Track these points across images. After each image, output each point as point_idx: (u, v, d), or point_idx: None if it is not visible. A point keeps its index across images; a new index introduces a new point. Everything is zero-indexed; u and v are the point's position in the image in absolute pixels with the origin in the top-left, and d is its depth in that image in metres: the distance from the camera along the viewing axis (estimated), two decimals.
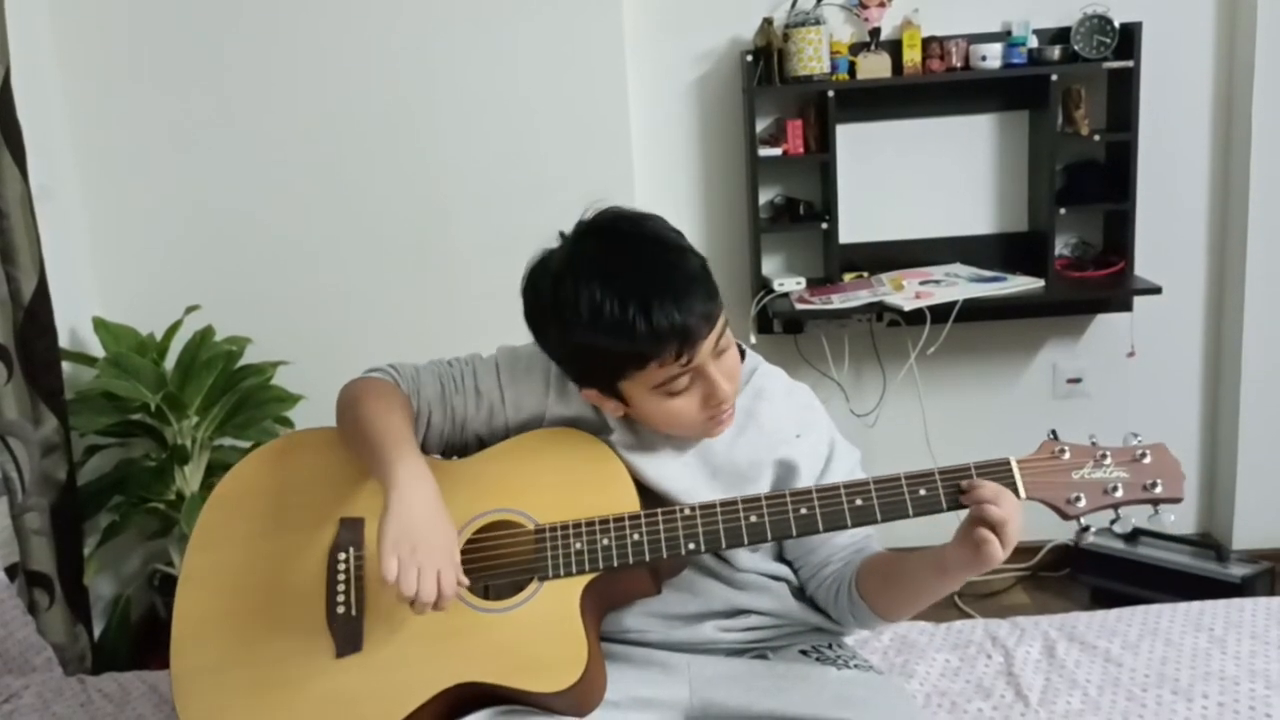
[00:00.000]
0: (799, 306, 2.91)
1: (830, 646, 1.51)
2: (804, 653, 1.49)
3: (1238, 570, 2.85)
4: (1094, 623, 1.87)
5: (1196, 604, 1.90)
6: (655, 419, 1.39)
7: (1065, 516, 1.31)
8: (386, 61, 2.91)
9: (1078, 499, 1.30)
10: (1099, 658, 1.76)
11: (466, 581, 1.32)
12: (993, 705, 1.66)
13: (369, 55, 2.91)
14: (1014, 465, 1.32)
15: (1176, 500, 1.30)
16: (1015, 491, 1.30)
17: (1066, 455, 1.32)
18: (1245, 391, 3.08)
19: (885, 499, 1.32)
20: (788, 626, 1.50)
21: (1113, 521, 1.32)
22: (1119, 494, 1.30)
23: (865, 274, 3.07)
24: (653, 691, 1.42)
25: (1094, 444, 1.34)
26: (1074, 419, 3.21)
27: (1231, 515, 3.16)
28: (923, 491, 1.32)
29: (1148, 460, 1.31)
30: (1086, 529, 1.31)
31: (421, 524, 1.29)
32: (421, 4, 2.88)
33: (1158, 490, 1.29)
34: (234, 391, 2.75)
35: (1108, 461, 1.31)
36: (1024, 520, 1.27)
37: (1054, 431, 1.36)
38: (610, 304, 1.29)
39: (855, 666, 1.48)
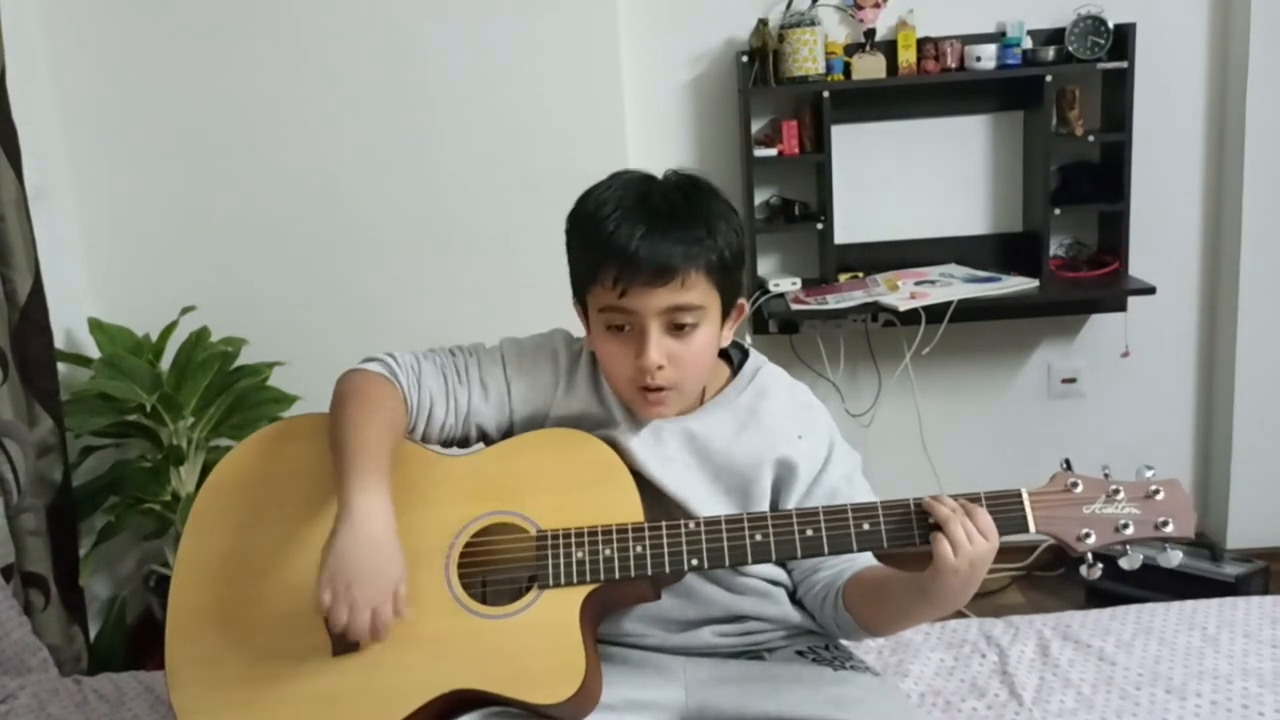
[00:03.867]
0: (794, 307, 2.92)
1: (826, 648, 1.51)
2: (800, 654, 1.49)
3: (1231, 570, 2.85)
4: (1088, 622, 1.87)
5: (1190, 603, 1.91)
6: (598, 352, 1.42)
7: (1074, 553, 1.30)
8: (380, 62, 2.91)
9: (1087, 535, 1.28)
10: (1093, 657, 1.76)
11: (406, 614, 1.31)
12: (987, 704, 1.67)
13: (362, 54, 2.91)
14: (1025, 497, 1.31)
15: (1186, 540, 1.29)
16: (1025, 524, 1.29)
17: (1079, 489, 1.30)
18: (1239, 391, 3.08)
19: (892, 526, 1.32)
20: (785, 630, 1.50)
21: (1120, 557, 1.30)
22: (1129, 531, 1.29)
23: (860, 274, 3.07)
24: (648, 694, 1.42)
25: (1107, 476, 1.32)
26: (1069, 418, 3.22)
27: (1225, 515, 3.17)
28: (932, 519, 1.30)
29: (1160, 497, 1.30)
30: (1094, 564, 1.29)
31: (362, 559, 1.27)
32: (417, 5, 2.88)
33: (1168, 529, 1.28)
34: (230, 392, 2.75)
35: (1120, 497, 1.30)
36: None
37: (1067, 461, 1.35)
38: (600, 209, 1.34)
39: (851, 667, 1.47)
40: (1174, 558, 1.30)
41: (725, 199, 1.41)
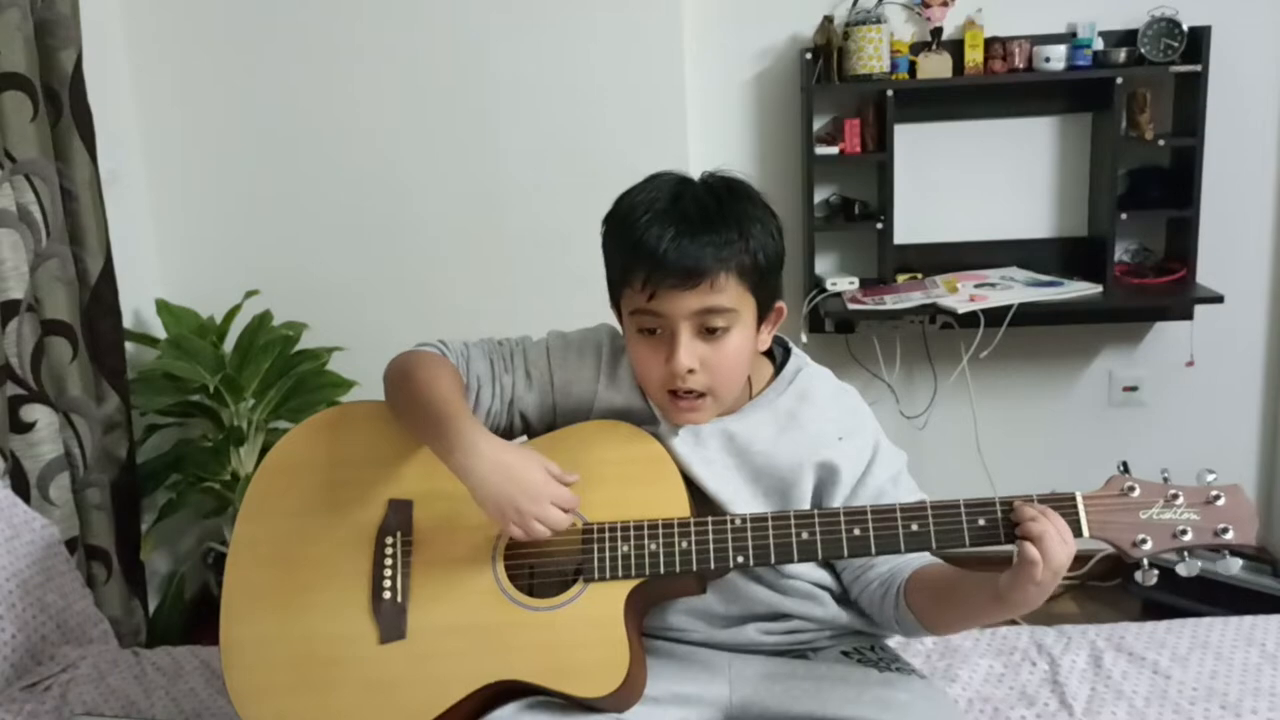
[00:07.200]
0: (851, 306, 2.90)
1: (872, 649, 1.50)
2: (845, 654, 1.48)
3: None
4: (1143, 634, 1.84)
5: (1249, 619, 1.87)
6: (631, 356, 1.42)
7: (1129, 558, 1.26)
8: (446, 54, 2.94)
9: (1144, 541, 1.25)
10: (1147, 669, 1.73)
11: (577, 501, 1.33)
12: (1036, 713, 1.64)
13: (430, 47, 2.94)
14: (1079, 501, 1.27)
15: (1247, 547, 1.26)
16: (1078, 529, 1.26)
17: (1136, 493, 1.27)
18: None
19: (942, 526, 1.30)
20: (830, 630, 1.50)
21: (1176, 564, 1.26)
22: (1188, 538, 1.25)
23: (919, 275, 3.04)
24: (693, 689, 1.42)
25: (1166, 481, 1.29)
26: (1130, 428, 3.17)
27: None
28: (982, 521, 1.28)
29: (1221, 503, 1.26)
30: (1150, 570, 1.25)
31: (506, 478, 1.29)
32: None
33: (1228, 536, 1.25)
34: (289, 375, 2.80)
35: (1179, 502, 1.26)
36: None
37: (1124, 464, 1.31)
38: (633, 212, 1.34)
39: (897, 669, 1.46)
40: (1233, 565, 1.26)
41: (764, 202, 1.40)
